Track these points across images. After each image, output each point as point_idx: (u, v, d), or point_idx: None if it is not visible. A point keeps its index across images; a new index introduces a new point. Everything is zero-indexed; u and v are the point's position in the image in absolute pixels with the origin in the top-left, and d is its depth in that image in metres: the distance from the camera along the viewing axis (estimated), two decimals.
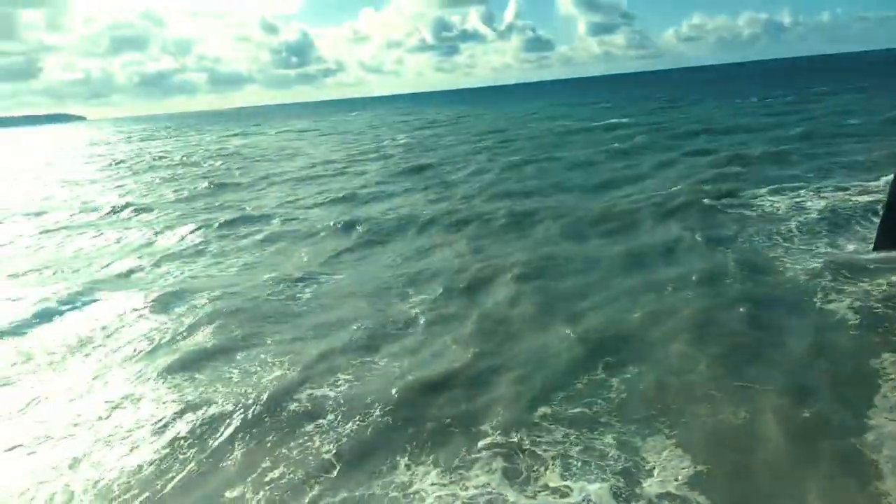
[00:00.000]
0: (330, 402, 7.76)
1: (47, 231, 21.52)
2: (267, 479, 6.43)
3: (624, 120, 42.91)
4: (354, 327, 10.14)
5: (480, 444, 6.67)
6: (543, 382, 7.78)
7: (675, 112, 48.47)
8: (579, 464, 6.19)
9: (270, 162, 38.75)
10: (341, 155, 39.44)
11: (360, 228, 17.22)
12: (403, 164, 31.02)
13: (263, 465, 6.68)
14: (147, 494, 6.38)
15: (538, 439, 6.62)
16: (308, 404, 7.75)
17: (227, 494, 6.28)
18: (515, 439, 6.66)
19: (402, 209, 19.55)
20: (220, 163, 41.17)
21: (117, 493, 6.43)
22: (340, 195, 23.19)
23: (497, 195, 20.44)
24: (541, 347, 8.78)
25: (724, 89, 78.61)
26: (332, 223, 17.98)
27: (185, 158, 46.71)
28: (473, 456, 6.49)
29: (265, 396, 8.03)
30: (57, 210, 25.64)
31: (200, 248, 17.12)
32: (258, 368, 8.98)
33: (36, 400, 8.70)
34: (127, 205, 25.16)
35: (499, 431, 6.85)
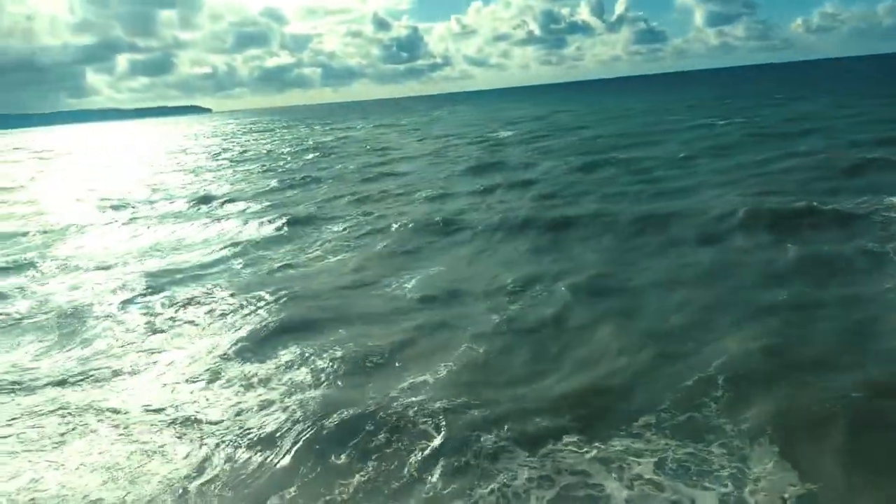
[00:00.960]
0: (428, 387, 8.07)
1: (161, 217, 23.32)
2: (371, 446, 6.90)
3: (736, 120, 39.81)
4: (441, 321, 10.32)
5: (567, 439, 6.70)
6: (639, 391, 7.60)
7: (796, 107, 44.65)
8: (676, 466, 6.10)
9: (367, 156, 39.74)
10: (434, 148, 40.20)
11: (440, 226, 17.28)
12: (490, 159, 30.99)
13: (366, 430, 7.15)
14: (266, 455, 6.98)
15: (635, 445, 6.53)
16: (409, 388, 8.09)
17: (334, 460, 6.75)
18: (610, 443, 6.60)
19: (488, 208, 19.42)
20: (319, 154, 42.82)
21: (240, 453, 7.06)
22: (425, 192, 23.42)
23: (580, 194, 19.90)
24: (627, 359, 8.50)
25: (855, 85, 71.59)
26: (418, 217, 18.27)
27: (290, 150, 48.90)
28: (562, 447, 6.57)
29: (368, 378, 8.53)
30: (169, 199, 27.51)
31: (291, 238, 17.93)
32: (359, 352, 9.38)
33: (156, 363, 9.68)
34: (228, 194, 26.73)
35: (588, 435, 6.80)
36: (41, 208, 28.56)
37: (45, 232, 22.24)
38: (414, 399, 7.77)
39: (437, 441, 6.86)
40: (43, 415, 8.29)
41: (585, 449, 6.52)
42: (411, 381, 8.32)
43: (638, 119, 49.06)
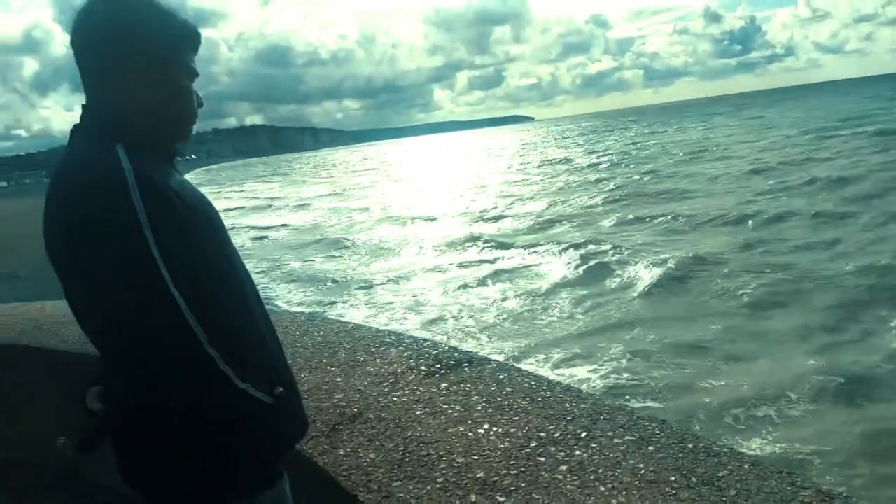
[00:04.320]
0: None
1: (427, 239, 21.92)
2: None
3: None
4: None
5: None
6: None
7: None
8: None
9: (675, 171, 34.07)
10: (746, 156, 32.89)
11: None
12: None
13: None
14: None
15: None
16: None
17: None
18: None
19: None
20: (621, 168, 38.65)
21: None
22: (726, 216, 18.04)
23: None
24: None
25: None
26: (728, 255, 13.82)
27: (584, 163, 45.93)
28: None
29: None
30: (452, 216, 26.53)
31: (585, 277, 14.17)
32: None
33: None
34: (506, 218, 24.56)
35: None
36: (332, 217, 31.05)
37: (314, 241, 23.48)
38: None
39: None
40: None
41: None
42: None
43: None
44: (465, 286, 14.21)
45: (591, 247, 16.06)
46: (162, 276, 1.13)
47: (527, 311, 11.97)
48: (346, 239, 23.35)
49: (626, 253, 15.14)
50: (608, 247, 15.86)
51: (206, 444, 1.25)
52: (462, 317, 12.01)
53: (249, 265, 1.47)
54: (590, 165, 42.70)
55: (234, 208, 41.08)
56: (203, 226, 1.29)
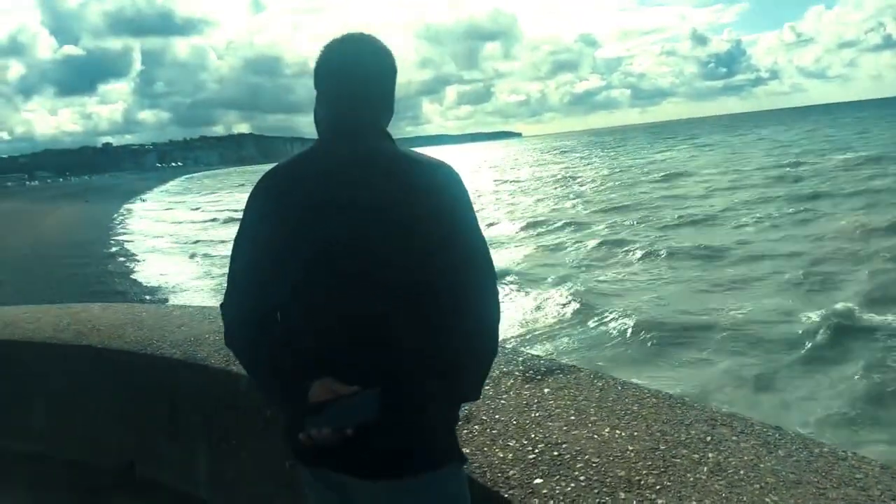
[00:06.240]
0: None
1: None
2: None
3: None
4: None
5: None
6: None
7: None
8: None
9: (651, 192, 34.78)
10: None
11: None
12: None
13: None
14: None
15: None
16: None
17: None
18: None
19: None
20: (591, 187, 39.57)
21: None
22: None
23: None
24: None
25: None
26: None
27: (566, 181, 46.63)
28: None
29: None
30: None
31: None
32: None
33: None
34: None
35: None
36: None
37: None
38: None
39: None
40: None
41: None
42: None
43: None
44: None
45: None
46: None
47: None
48: None
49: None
50: None
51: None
52: None
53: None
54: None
55: (210, 219, 40.02)
56: None
